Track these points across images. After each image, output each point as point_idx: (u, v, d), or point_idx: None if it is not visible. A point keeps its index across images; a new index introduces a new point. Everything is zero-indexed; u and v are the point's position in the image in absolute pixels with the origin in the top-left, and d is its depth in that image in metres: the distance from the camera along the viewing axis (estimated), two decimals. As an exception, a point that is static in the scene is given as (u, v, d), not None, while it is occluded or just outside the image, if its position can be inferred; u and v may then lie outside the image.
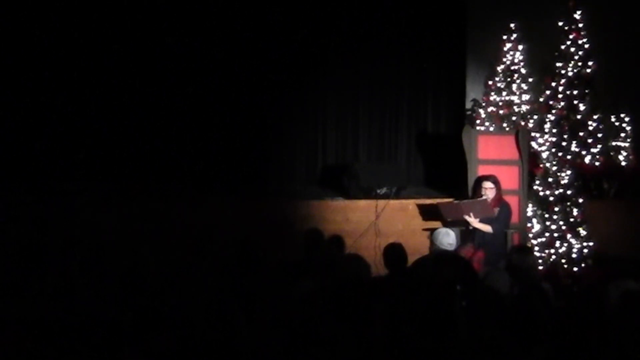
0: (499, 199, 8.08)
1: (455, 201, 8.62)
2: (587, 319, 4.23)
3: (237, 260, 6.10)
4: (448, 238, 6.73)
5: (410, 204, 9.23)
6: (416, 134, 10.80)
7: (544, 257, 8.89)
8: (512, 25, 9.65)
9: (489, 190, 8.04)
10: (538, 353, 4.07)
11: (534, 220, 9.10)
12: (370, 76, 10.66)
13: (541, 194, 9.10)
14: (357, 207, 9.22)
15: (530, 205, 9.03)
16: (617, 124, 9.90)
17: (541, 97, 9.58)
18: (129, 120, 9.89)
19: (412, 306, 4.57)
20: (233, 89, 10.16)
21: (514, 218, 8.46)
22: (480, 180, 8.23)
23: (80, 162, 9.52)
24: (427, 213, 9.06)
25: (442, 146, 10.47)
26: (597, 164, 9.43)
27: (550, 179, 9.11)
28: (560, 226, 8.97)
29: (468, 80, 10.34)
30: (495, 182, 8.07)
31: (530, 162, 9.01)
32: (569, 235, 8.93)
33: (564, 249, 8.92)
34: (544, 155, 9.27)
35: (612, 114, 9.86)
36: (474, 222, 7.99)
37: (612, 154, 9.80)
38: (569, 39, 9.46)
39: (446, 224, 8.50)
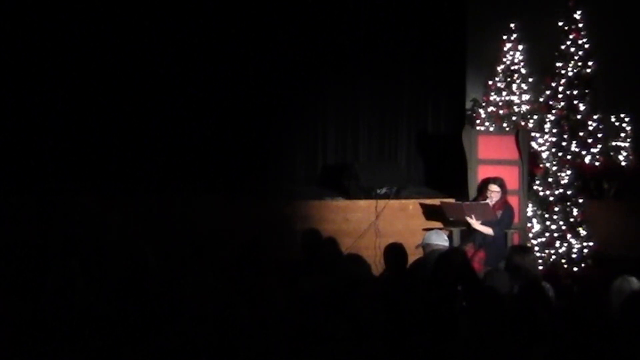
0: (503, 202, 8.08)
1: (458, 202, 8.63)
2: (587, 319, 4.23)
3: (241, 260, 6.12)
4: (440, 238, 6.73)
5: (410, 204, 9.22)
6: (416, 134, 10.80)
7: (544, 257, 8.89)
8: (512, 25, 9.65)
9: (494, 193, 8.04)
10: (538, 353, 4.07)
11: (534, 220, 9.10)
12: (370, 76, 10.65)
13: (541, 194, 9.11)
14: (357, 207, 9.21)
15: (530, 205, 9.03)
16: (617, 124, 9.90)
17: (541, 97, 9.58)
18: (130, 120, 9.88)
19: (412, 306, 4.57)
20: (233, 89, 10.16)
21: (514, 218, 8.46)
22: (486, 182, 8.23)
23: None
24: (427, 213, 9.06)
25: (442, 146, 10.47)
26: (597, 164, 9.43)
27: (550, 179, 9.11)
28: (560, 226, 8.98)
29: (468, 80, 10.33)
30: (502, 185, 8.07)
31: (530, 162, 9.01)
32: (569, 235, 8.94)
33: (564, 249, 8.93)
34: (544, 155, 9.27)
35: (612, 114, 9.85)
36: (475, 223, 7.99)
37: (612, 154, 9.79)
38: (569, 39, 9.46)
39: (447, 223, 8.53)
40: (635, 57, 9.94)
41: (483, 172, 8.70)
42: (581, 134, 9.37)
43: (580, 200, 9.07)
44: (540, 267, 8.44)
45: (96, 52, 9.75)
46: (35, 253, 6.05)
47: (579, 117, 9.39)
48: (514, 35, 9.65)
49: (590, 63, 9.46)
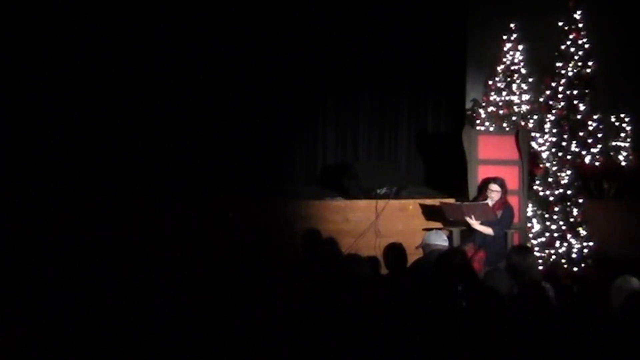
0: (503, 202, 8.08)
1: (458, 202, 8.63)
2: (587, 319, 4.23)
3: (240, 260, 6.11)
4: (439, 238, 6.73)
5: (410, 204, 9.23)
6: (416, 134, 10.81)
7: (544, 257, 8.89)
8: (512, 25, 9.66)
9: (494, 193, 8.03)
10: (538, 353, 4.07)
11: (534, 220, 9.10)
12: (370, 76, 10.66)
13: (541, 194, 9.10)
14: (357, 207, 9.22)
15: (530, 205, 9.03)
16: (617, 124, 9.89)
17: (541, 97, 9.58)
18: (130, 120, 9.88)
19: (412, 306, 4.57)
20: (233, 89, 10.16)
21: (514, 218, 8.46)
22: (486, 182, 8.23)
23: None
24: (427, 213, 9.07)
25: (442, 146, 10.48)
26: (597, 164, 9.43)
27: (550, 179, 9.11)
28: (560, 226, 8.98)
29: (468, 80, 10.34)
30: (502, 185, 8.07)
31: (530, 162, 9.01)
32: (569, 235, 8.93)
33: (564, 249, 8.93)
34: (544, 155, 9.27)
35: (612, 114, 9.85)
36: (475, 224, 7.99)
37: (612, 154, 9.79)
38: (569, 39, 9.47)
39: (447, 224, 8.52)
40: (635, 57, 9.93)
41: (483, 172, 8.70)
42: (581, 134, 9.37)
43: (580, 200, 9.07)
44: (540, 267, 8.45)
45: (97, 52, 9.75)
46: (35, 253, 6.05)
47: (579, 117, 9.39)
48: (514, 35, 9.66)
49: (590, 63, 9.46)
